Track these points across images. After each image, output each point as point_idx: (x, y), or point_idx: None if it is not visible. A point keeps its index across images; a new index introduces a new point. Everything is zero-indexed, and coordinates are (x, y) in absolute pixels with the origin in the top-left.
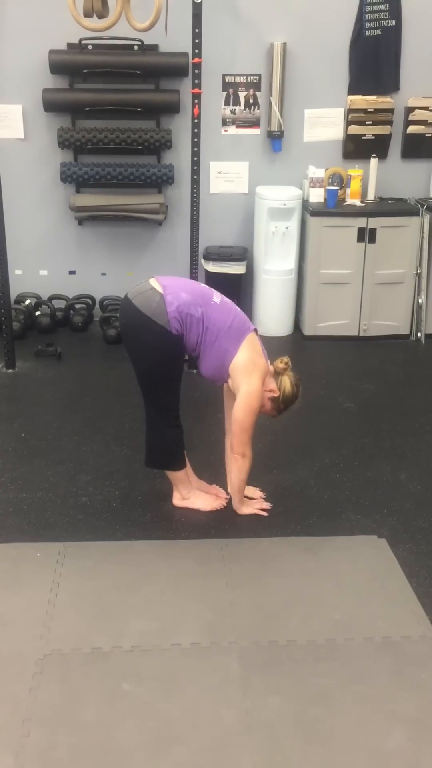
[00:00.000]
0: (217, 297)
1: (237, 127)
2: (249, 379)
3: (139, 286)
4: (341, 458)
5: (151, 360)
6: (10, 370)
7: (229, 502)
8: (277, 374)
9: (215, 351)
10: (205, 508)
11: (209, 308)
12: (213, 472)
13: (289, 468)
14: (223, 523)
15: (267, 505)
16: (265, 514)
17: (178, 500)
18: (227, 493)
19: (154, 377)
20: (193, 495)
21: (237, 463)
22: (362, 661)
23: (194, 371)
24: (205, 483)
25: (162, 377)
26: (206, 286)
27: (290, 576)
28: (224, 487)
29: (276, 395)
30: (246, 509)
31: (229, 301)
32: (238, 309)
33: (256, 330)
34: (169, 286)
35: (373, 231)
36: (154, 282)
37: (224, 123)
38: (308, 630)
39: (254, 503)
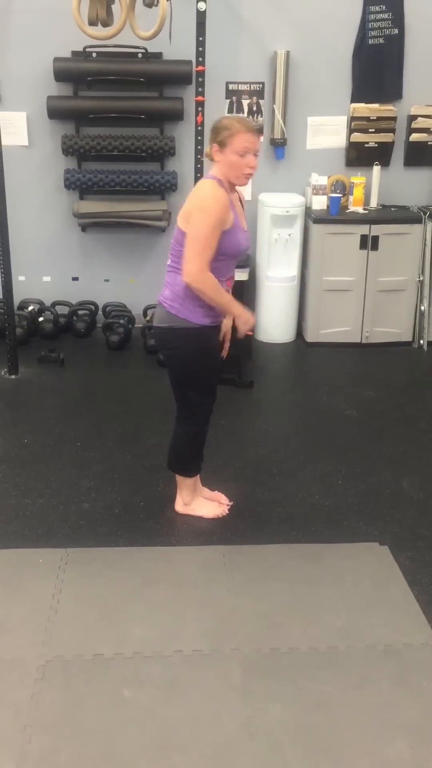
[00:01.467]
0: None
1: None
2: (191, 210)
3: (156, 309)
4: (343, 465)
5: (185, 363)
6: (13, 376)
7: (231, 508)
8: (211, 156)
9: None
10: (208, 515)
11: (173, 267)
12: (214, 479)
13: (291, 475)
14: (225, 530)
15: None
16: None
17: (180, 506)
18: (229, 500)
19: (189, 380)
20: (195, 502)
21: (194, 290)
22: (364, 669)
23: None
24: (208, 490)
25: (197, 378)
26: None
27: (292, 583)
28: (226, 493)
29: (214, 149)
30: (239, 313)
31: (174, 234)
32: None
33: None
34: (162, 295)
35: (375, 238)
36: (158, 297)
37: None
38: (310, 637)
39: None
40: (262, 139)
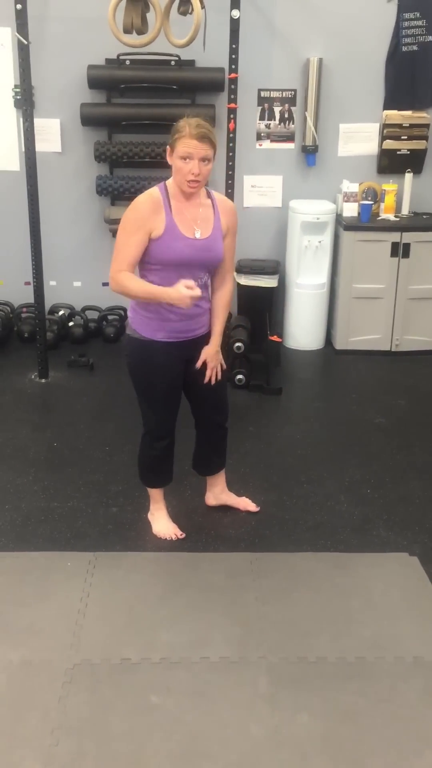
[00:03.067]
0: None
1: (271, 141)
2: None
3: None
4: (372, 474)
5: (131, 373)
6: (43, 380)
7: (258, 514)
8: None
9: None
10: (157, 533)
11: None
12: (242, 485)
13: (319, 483)
14: (253, 537)
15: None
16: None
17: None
18: (256, 506)
19: (137, 390)
20: (157, 514)
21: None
22: (393, 681)
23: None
24: (235, 495)
25: (142, 391)
26: None
27: (320, 592)
28: (253, 499)
29: (168, 151)
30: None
31: None
32: None
33: None
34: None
35: (406, 246)
36: None
37: (259, 137)
38: (338, 647)
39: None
40: (208, 148)
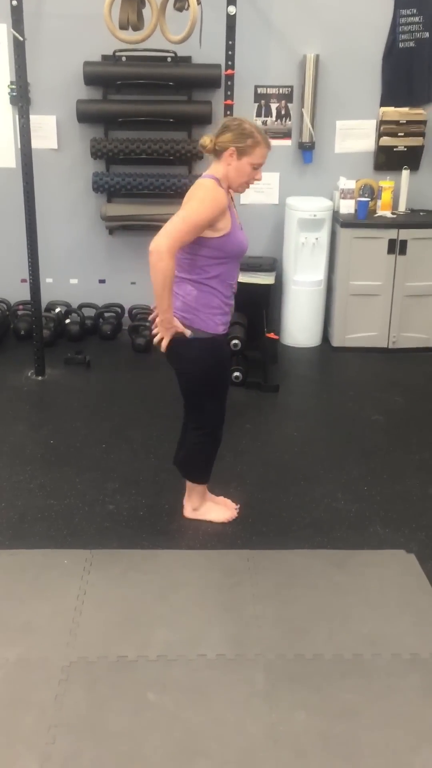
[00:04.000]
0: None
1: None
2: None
3: None
4: (369, 471)
5: (201, 372)
6: (39, 377)
7: (240, 511)
8: (216, 153)
9: (203, 259)
10: (218, 519)
11: (179, 276)
12: (239, 483)
13: (316, 480)
14: (250, 534)
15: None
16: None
17: (189, 512)
18: (236, 504)
19: (203, 390)
20: (204, 507)
21: (149, 259)
22: (390, 678)
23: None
24: (213, 495)
25: (211, 388)
26: None
27: (317, 589)
28: (234, 500)
29: (231, 151)
30: (161, 325)
31: None
32: None
33: None
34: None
35: (403, 243)
36: None
37: None
38: (335, 644)
39: (166, 332)
40: None
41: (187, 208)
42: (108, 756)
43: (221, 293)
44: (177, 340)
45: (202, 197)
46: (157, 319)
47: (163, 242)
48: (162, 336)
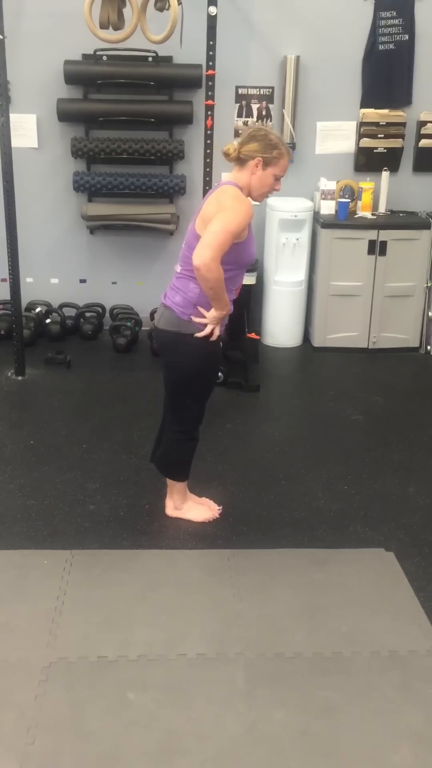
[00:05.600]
0: (177, 264)
1: None
2: (215, 214)
3: (158, 311)
4: (349, 470)
5: (191, 370)
6: (19, 377)
7: (237, 512)
8: (240, 161)
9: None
10: (197, 519)
11: (184, 273)
12: (220, 482)
13: (297, 479)
14: (231, 534)
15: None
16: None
17: (171, 510)
18: (219, 506)
19: (189, 387)
20: (185, 506)
21: (198, 277)
22: (369, 675)
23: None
24: (196, 496)
25: (197, 386)
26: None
27: (297, 588)
28: (216, 500)
29: (257, 161)
30: (212, 313)
31: (187, 240)
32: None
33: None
34: (170, 299)
35: (383, 244)
36: (163, 300)
37: (237, 134)
38: (314, 642)
39: (216, 321)
40: None
41: (223, 218)
42: (88, 756)
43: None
44: (173, 335)
45: (236, 208)
46: (214, 315)
47: (208, 254)
48: (216, 331)
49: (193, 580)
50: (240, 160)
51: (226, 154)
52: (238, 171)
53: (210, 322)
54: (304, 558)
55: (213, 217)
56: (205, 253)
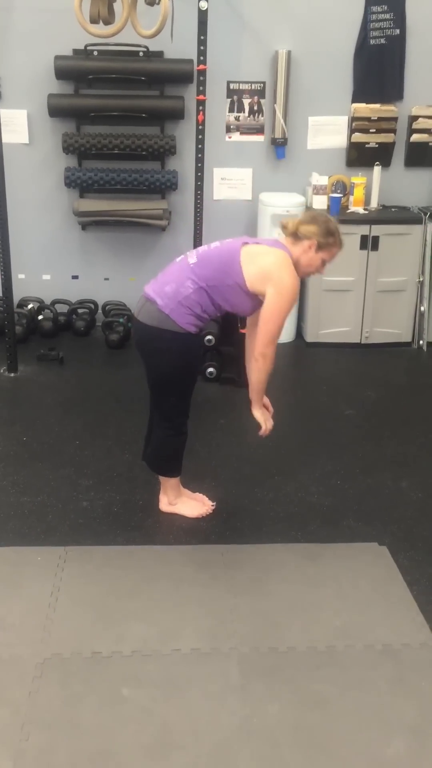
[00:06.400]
0: (193, 256)
1: (241, 133)
2: (270, 281)
3: (139, 302)
4: (342, 465)
5: (168, 366)
6: (12, 374)
7: (231, 507)
8: (295, 236)
9: (231, 293)
10: (191, 515)
11: (193, 272)
12: (213, 478)
13: (290, 474)
14: (224, 529)
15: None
16: (266, 432)
17: (164, 505)
18: (212, 502)
19: (169, 383)
20: (179, 501)
21: (257, 364)
22: (362, 669)
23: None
24: (189, 491)
25: (177, 383)
26: (183, 255)
27: (291, 583)
28: (209, 495)
29: (312, 244)
30: (258, 414)
31: (210, 246)
32: (220, 243)
33: (247, 243)
34: (154, 291)
35: (375, 239)
36: (146, 292)
37: (228, 130)
38: (308, 637)
39: (267, 416)
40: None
41: (277, 306)
42: (83, 752)
43: (209, 313)
44: (151, 329)
45: (284, 290)
46: (257, 414)
47: (270, 350)
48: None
49: (187, 575)
50: (295, 236)
51: (284, 227)
52: (292, 244)
53: (259, 420)
54: (297, 553)
55: (267, 281)
56: (268, 351)
